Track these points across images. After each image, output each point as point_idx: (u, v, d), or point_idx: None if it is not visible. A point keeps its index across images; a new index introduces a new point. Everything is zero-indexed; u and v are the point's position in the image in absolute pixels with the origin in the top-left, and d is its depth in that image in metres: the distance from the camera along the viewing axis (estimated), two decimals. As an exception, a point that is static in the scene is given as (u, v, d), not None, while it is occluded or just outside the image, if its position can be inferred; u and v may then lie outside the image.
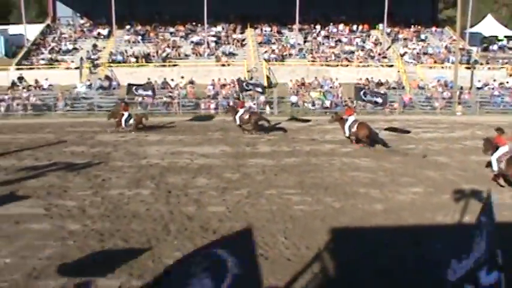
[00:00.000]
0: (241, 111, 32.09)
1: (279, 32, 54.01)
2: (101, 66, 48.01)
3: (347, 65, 47.64)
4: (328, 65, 47.44)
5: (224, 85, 43.88)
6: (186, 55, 50.21)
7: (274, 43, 51.91)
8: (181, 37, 53.47)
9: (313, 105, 41.46)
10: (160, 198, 18.88)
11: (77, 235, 15.42)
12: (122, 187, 20.27)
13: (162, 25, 55.52)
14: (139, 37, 53.27)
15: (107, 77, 45.80)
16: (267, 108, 40.36)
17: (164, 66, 47.61)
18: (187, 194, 19.25)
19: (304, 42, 52.30)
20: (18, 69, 47.66)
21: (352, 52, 49.86)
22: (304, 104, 41.76)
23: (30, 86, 44.59)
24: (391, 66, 48.07)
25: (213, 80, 44.40)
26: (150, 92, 37.63)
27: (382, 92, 36.90)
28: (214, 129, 32.43)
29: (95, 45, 51.92)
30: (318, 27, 54.25)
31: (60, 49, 52.05)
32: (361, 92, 33.47)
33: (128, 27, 54.87)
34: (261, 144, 27.99)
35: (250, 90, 38.17)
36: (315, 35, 53.42)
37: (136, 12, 56.02)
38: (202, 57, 49.73)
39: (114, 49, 50.84)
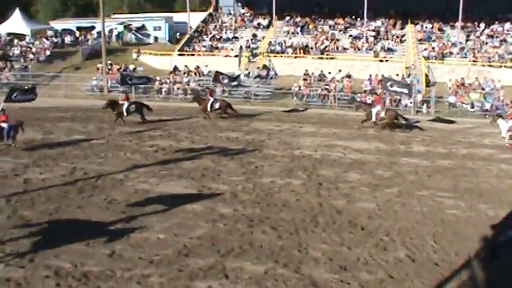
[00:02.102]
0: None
1: (440, 29, 52.34)
2: (260, 56, 48.77)
3: (511, 67, 45.45)
4: (490, 66, 45.42)
5: (381, 81, 43.21)
6: (344, 48, 49.91)
7: (434, 40, 50.40)
8: (340, 30, 53.20)
9: (472, 107, 39.88)
10: (311, 189, 18.93)
11: (228, 218, 15.81)
12: (274, 175, 20.53)
13: (322, 17, 55.48)
14: (299, 28, 53.61)
15: (265, 67, 46.43)
16: (424, 107, 39.35)
17: (322, 58, 47.57)
18: (338, 188, 19.17)
19: (467, 40, 50.33)
20: (180, 55, 49.50)
21: (518, 53, 47.52)
22: (463, 105, 40.33)
23: (190, 71, 46.10)
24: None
25: (370, 75, 43.86)
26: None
27: None
28: (368, 124, 32.05)
29: (254, 35, 52.90)
30: (482, 25, 51.90)
31: (220, 37, 53.53)
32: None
33: (287, 18, 55.39)
34: (415, 144, 27.32)
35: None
36: (478, 33, 51.21)
37: (296, 4, 56.26)
38: (361, 52, 49.24)
39: (273, 39, 51.48)
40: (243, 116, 33.94)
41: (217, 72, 39.18)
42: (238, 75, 42.38)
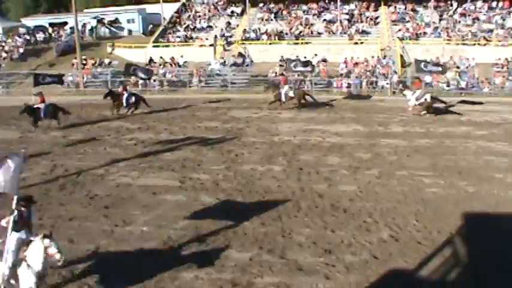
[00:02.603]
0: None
1: (413, 10, 52.55)
2: (235, 44, 48.71)
3: (485, 44, 45.70)
4: (464, 44, 45.69)
5: (357, 63, 43.38)
6: (318, 33, 49.97)
7: (408, 21, 50.59)
8: (314, 15, 53.26)
9: (448, 85, 40.17)
10: (291, 175, 19.03)
11: (210, 207, 15.82)
12: (254, 163, 20.60)
13: (295, 3, 55.42)
14: (272, 15, 53.61)
15: (240, 54, 46.41)
16: (400, 86, 39.52)
17: (297, 44, 47.61)
18: (318, 172, 19.28)
19: (440, 20, 50.56)
20: (155, 46, 49.28)
21: (491, 30, 47.66)
22: (439, 84, 40.58)
23: (166, 63, 45.94)
24: (534, 45, 45.61)
25: (346, 58, 43.95)
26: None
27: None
28: (346, 108, 32.15)
29: (228, 23, 52.83)
30: (455, 4, 52.13)
31: (194, 27, 53.41)
32: None
33: (261, 5, 55.36)
34: (393, 125, 27.50)
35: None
36: (451, 12, 51.48)
37: (269, -10, 56.32)
38: (335, 35, 49.35)
39: (248, 27, 51.42)
40: (220, 105, 33.94)
41: (127, 64, 38.60)
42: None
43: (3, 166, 10.00)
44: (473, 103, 34.07)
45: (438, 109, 30.65)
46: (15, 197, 10.10)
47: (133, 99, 31.29)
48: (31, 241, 10.03)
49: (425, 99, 30.39)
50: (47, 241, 9.77)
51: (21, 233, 10.23)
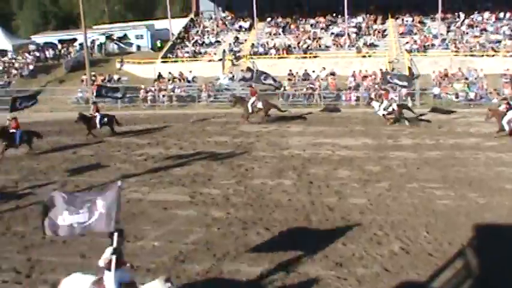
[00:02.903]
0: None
1: (420, 22, 52.62)
2: (243, 58, 48.88)
3: (493, 55, 45.71)
4: (472, 55, 45.65)
5: (365, 76, 43.46)
6: (326, 46, 50.09)
7: (416, 33, 50.63)
8: (322, 28, 53.38)
9: (457, 97, 40.13)
10: (302, 188, 19.06)
11: (221, 222, 15.92)
12: (265, 177, 20.65)
13: (303, 17, 55.69)
14: (280, 29, 53.80)
15: (249, 69, 46.50)
16: (409, 99, 39.54)
17: (305, 57, 47.69)
18: (328, 185, 19.31)
19: (447, 32, 50.61)
20: (163, 62, 49.51)
21: (499, 41, 47.66)
22: (448, 95, 40.60)
23: (175, 78, 46.16)
24: (542, 55, 45.55)
25: (354, 71, 44.05)
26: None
27: None
28: (355, 121, 32.21)
29: (236, 38, 53.00)
30: (462, 15, 52.19)
31: (203, 42, 53.60)
32: None
33: (268, 19, 55.55)
34: (403, 137, 27.47)
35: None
36: (458, 24, 51.50)
37: (276, 5, 56.47)
38: (343, 49, 49.45)
39: (256, 41, 51.60)
40: (230, 120, 34.03)
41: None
42: None
43: (100, 201, 9.65)
44: (445, 112, 34.90)
45: (408, 118, 30.95)
46: (115, 234, 9.67)
47: (105, 120, 30.39)
48: (133, 282, 9.88)
49: (393, 109, 30.94)
50: (168, 285, 9.60)
51: (119, 272, 9.83)
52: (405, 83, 35.83)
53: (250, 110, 32.68)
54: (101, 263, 9.78)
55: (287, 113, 34.11)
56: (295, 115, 34.51)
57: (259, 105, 32.72)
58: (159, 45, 57.88)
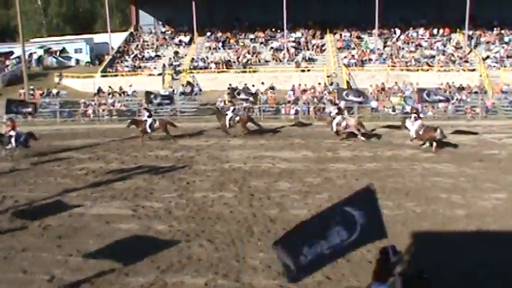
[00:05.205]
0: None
1: (358, 37, 53.78)
2: (183, 73, 48.99)
3: (428, 70, 47.04)
4: (408, 70, 46.98)
5: (304, 90, 44.07)
6: (266, 61, 50.72)
7: (353, 48, 51.77)
8: (261, 43, 54.02)
9: (394, 110, 41.12)
10: (243, 201, 19.22)
11: (164, 235, 15.95)
12: (206, 190, 20.72)
13: (242, 32, 56.20)
14: (220, 44, 54.17)
15: (189, 83, 46.71)
16: (345, 113, 40.08)
17: (244, 72, 48.16)
18: (269, 197, 19.51)
19: (384, 47, 51.92)
20: (103, 76, 49.23)
21: (433, 56, 49.11)
22: (385, 109, 41.51)
23: (115, 92, 45.92)
24: (473, 70, 46.98)
25: (293, 85, 44.66)
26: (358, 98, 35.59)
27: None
28: (295, 134, 32.60)
29: (176, 52, 53.14)
30: (398, 31, 53.67)
31: (143, 56, 53.56)
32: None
33: (208, 34, 55.89)
34: (342, 150, 27.97)
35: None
36: (394, 39, 52.93)
37: (216, 20, 56.90)
38: (282, 63, 50.11)
39: (196, 56, 51.79)
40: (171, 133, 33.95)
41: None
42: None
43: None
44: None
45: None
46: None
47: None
48: None
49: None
50: None
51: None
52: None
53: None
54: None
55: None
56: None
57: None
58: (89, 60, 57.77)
